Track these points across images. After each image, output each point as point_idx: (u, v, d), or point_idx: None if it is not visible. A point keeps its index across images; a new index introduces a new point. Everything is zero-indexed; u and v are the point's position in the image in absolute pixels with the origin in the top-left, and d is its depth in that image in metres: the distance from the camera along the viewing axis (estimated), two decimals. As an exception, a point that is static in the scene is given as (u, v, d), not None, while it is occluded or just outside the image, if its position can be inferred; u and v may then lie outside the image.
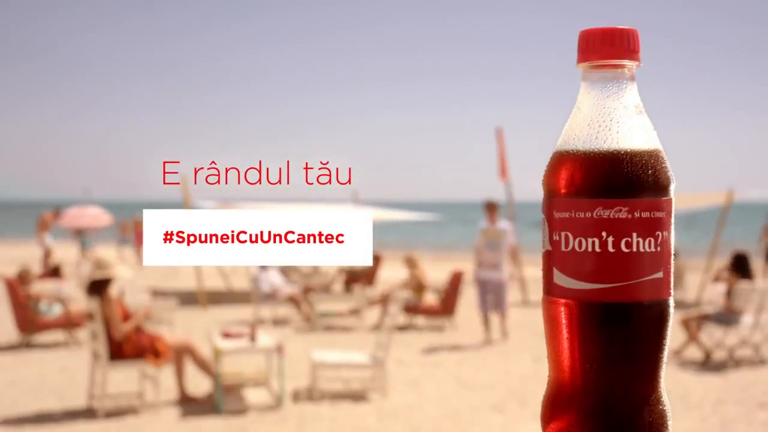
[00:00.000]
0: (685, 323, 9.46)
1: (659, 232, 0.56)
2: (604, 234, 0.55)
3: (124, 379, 7.38)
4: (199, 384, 7.50)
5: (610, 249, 0.55)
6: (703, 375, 8.62)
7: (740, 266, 9.79)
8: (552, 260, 0.58)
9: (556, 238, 0.57)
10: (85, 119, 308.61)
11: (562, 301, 0.57)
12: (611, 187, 0.55)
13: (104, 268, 6.96)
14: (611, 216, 0.55)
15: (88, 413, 6.84)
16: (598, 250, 0.55)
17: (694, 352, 9.53)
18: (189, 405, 7.06)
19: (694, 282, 14.89)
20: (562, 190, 0.57)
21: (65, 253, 25.06)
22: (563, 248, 0.57)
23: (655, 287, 0.56)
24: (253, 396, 7.26)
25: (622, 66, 0.58)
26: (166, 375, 7.47)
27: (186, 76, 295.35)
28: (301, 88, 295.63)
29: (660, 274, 0.56)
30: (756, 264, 13.19)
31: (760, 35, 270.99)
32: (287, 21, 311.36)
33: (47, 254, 21.19)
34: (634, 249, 0.55)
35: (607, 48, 0.58)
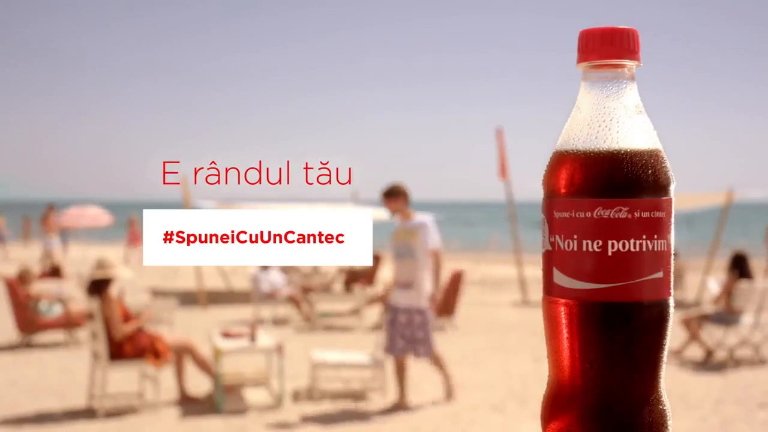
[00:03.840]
0: (686, 323, 9.46)
1: (659, 232, 0.56)
2: (604, 234, 0.55)
3: (124, 379, 7.38)
4: (199, 384, 7.50)
5: (610, 249, 0.55)
6: (703, 375, 8.62)
7: (740, 266, 9.79)
8: (552, 260, 0.58)
9: (556, 238, 0.57)
10: (85, 120, 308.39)
11: (562, 301, 0.57)
12: (611, 187, 0.55)
13: (105, 268, 6.97)
14: (611, 216, 0.55)
15: (88, 413, 6.84)
16: (598, 250, 0.55)
17: (694, 352, 9.53)
18: (189, 405, 7.06)
19: (694, 282, 14.90)
20: (562, 190, 0.57)
21: (65, 253, 25.09)
22: (563, 248, 0.57)
23: (655, 287, 0.56)
24: (253, 396, 7.27)
25: (622, 66, 0.58)
26: (166, 375, 7.47)
27: (186, 76, 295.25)
28: (301, 88, 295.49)
29: (660, 274, 0.56)
30: (760, 264, 13.20)
31: (760, 35, 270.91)
32: (287, 21, 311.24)
33: (48, 254, 21.21)
34: (634, 249, 0.55)
35: (607, 48, 0.58)
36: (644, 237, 0.55)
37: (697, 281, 14.29)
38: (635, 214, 0.55)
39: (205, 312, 13.24)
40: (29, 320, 9.82)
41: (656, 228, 0.56)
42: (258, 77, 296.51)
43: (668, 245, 0.57)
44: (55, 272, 15.61)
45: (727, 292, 9.58)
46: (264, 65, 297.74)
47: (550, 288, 0.58)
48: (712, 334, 9.30)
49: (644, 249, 0.55)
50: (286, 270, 14.39)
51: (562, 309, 0.57)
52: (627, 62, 0.58)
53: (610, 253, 0.55)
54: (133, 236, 24.55)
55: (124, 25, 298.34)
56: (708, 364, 9.15)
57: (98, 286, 6.86)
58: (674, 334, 9.96)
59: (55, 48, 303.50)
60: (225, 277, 16.11)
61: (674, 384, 7.89)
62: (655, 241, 0.56)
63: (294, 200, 17.56)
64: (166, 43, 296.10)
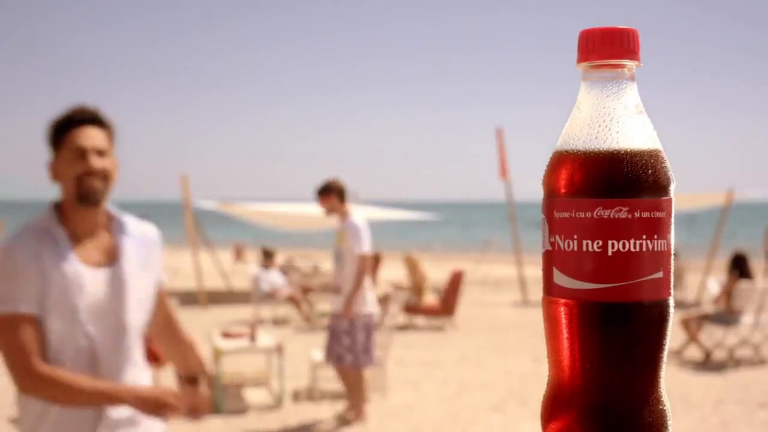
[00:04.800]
0: (685, 323, 9.46)
1: (659, 232, 0.56)
2: (604, 234, 0.55)
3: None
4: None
5: (610, 249, 0.55)
6: (703, 375, 8.63)
7: (740, 266, 9.80)
8: (552, 260, 0.58)
9: (556, 238, 0.57)
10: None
11: (562, 301, 0.57)
12: (611, 187, 0.55)
13: None
14: (611, 216, 0.55)
15: (88, 413, 6.84)
16: (598, 250, 0.55)
17: (694, 352, 9.54)
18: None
19: (694, 282, 14.90)
20: (562, 190, 0.57)
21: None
22: (563, 248, 0.57)
23: (655, 287, 0.56)
24: (253, 396, 7.27)
25: (622, 66, 0.58)
26: (166, 375, 7.48)
27: (185, 76, 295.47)
28: (301, 88, 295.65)
29: (660, 274, 0.56)
30: (759, 264, 13.19)
31: (761, 36, 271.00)
32: (287, 21, 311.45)
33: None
34: (634, 249, 0.55)
35: (607, 48, 0.58)
36: (644, 237, 0.55)
37: (697, 281, 14.30)
38: (635, 214, 0.55)
39: (205, 312, 13.24)
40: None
41: (656, 228, 0.56)
42: (258, 77, 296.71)
43: (668, 245, 0.57)
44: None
45: (727, 292, 9.58)
46: (264, 65, 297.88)
47: (550, 288, 0.58)
48: (712, 334, 9.31)
49: (644, 249, 0.55)
50: (286, 270, 14.38)
51: (562, 309, 0.57)
52: (627, 62, 0.58)
53: (610, 253, 0.55)
54: None
55: (124, 24, 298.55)
56: (708, 364, 9.16)
57: None
58: (674, 335, 9.97)
59: (56, 48, 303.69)
60: (225, 277, 16.10)
61: (674, 384, 7.90)
62: (655, 241, 0.56)
63: (293, 200, 17.58)
64: (166, 42, 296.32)
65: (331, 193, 6.26)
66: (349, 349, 6.31)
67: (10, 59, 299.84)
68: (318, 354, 7.54)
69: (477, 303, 14.50)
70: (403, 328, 11.39)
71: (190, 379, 2.58)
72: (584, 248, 0.55)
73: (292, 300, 12.34)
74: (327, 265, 17.44)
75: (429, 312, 11.68)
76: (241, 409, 6.85)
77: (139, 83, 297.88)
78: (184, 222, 14.51)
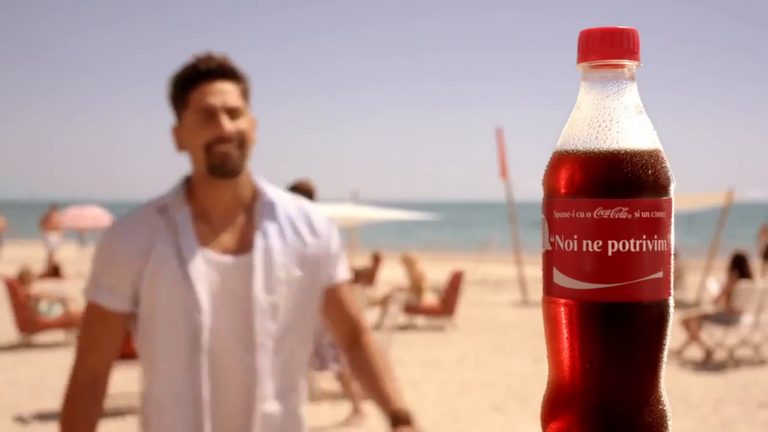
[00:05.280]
0: (686, 323, 9.47)
1: (659, 232, 0.56)
2: (604, 234, 0.55)
3: (124, 379, 7.39)
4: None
5: (610, 249, 0.55)
6: (703, 375, 8.64)
7: (740, 266, 9.80)
8: (552, 260, 0.58)
9: (556, 238, 0.58)
10: (87, 119, 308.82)
11: (562, 301, 0.57)
12: (611, 187, 0.55)
13: None
14: (611, 216, 0.55)
15: (88, 413, 6.85)
16: (598, 250, 0.55)
17: (694, 352, 9.55)
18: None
19: (694, 282, 14.91)
20: (562, 190, 0.57)
21: (67, 253, 25.10)
22: (563, 248, 0.57)
23: (655, 287, 0.56)
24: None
25: (622, 66, 0.58)
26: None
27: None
28: (301, 88, 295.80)
29: (660, 274, 0.56)
30: (755, 264, 13.20)
31: (760, 36, 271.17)
32: (287, 21, 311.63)
33: (49, 254, 21.21)
34: (634, 249, 0.55)
35: (607, 48, 0.58)
36: (644, 237, 0.55)
37: (697, 281, 14.30)
38: (635, 214, 0.55)
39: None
40: (29, 320, 9.84)
41: (656, 228, 0.56)
42: (258, 78, 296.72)
43: (668, 245, 0.57)
44: (55, 272, 15.61)
45: (728, 293, 9.59)
46: (264, 65, 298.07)
47: (549, 288, 0.58)
48: (712, 334, 9.31)
49: (644, 249, 0.55)
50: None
51: (562, 309, 0.57)
52: (627, 62, 0.58)
53: (610, 254, 0.55)
54: None
55: (125, 23, 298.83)
56: (708, 364, 9.17)
57: None
58: (674, 335, 9.97)
59: (56, 48, 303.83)
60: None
61: (675, 384, 7.91)
62: (655, 241, 0.56)
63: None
64: (167, 42, 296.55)
65: (298, 194, 6.18)
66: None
67: (13, 59, 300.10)
68: (318, 354, 7.54)
69: (477, 303, 14.50)
70: (403, 328, 11.39)
71: (401, 418, 1.88)
72: (584, 248, 0.55)
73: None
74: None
75: (429, 312, 11.68)
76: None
77: (139, 84, 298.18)
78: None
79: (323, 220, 2.07)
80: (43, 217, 22.69)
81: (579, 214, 0.56)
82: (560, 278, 0.57)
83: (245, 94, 1.95)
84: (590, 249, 0.55)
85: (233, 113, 1.88)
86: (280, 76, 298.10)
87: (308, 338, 2.03)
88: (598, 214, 0.55)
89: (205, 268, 1.87)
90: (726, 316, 9.37)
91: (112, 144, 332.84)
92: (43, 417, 6.75)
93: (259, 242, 1.90)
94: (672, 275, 0.58)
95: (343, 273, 2.05)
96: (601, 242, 0.55)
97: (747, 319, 9.38)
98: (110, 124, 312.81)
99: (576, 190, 0.56)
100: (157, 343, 1.88)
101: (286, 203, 2.02)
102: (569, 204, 0.56)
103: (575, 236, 0.56)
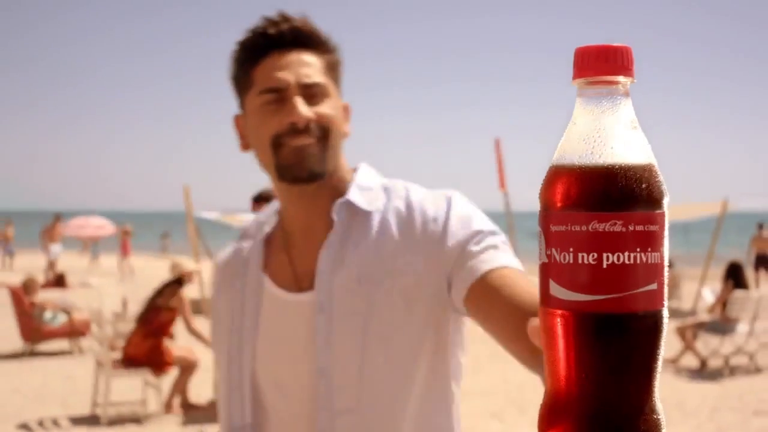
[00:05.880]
0: (681, 332, 9.52)
1: (653, 245, 0.57)
2: (599, 247, 0.56)
3: (127, 387, 7.45)
4: (201, 393, 7.57)
5: (605, 261, 0.56)
6: (699, 383, 8.68)
7: (735, 275, 9.85)
8: (548, 272, 0.59)
9: (552, 250, 0.59)
10: (84, 128, 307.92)
11: (559, 312, 0.58)
12: (606, 201, 0.56)
13: (179, 269, 7.27)
14: (606, 229, 0.56)
15: (91, 420, 6.92)
16: (593, 262, 0.56)
17: (690, 360, 9.60)
18: (191, 413, 7.13)
19: (689, 291, 14.95)
20: (558, 204, 0.58)
21: (70, 262, 25.08)
22: (559, 260, 0.58)
23: (649, 298, 0.57)
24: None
25: (617, 82, 0.60)
26: (168, 383, 7.55)
27: (186, 80, 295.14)
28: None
29: (654, 286, 0.57)
30: (749, 274, 13.24)
31: (758, 46, 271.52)
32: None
33: (52, 264, 21.25)
34: (629, 261, 0.56)
35: (602, 65, 0.59)
36: (638, 250, 0.56)
37: (693, 290, 14.35)
38: (629, 227, 0.56)
39: (209, 321, 13.29)
40: (34, 329, 9.89)
41: (650, 241, 0.57)
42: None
43: (662, 258, 0.58)
44: (59, 281, 15.62)
45: (722, 301, 9.64)
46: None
47: (546, 299, 0.59)
48: (707, 342, 9.36)
49: (638, 261, 0.56)
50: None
51: (559, 320, 0.58)
52: (621, 79, 0.60)
53: (605, 266, 0.56)
54: (124, 247, 24.46)
55: (122, 30, 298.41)
56: (704, 372, 9.22)
57: (174, 284, 7.07)
58: (670, 343, 10.03)
59: (50, 56, 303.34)
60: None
61: (670, 392, 7.96)
62: (649, 254, 0.57)
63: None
64: (164, 49, 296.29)
65: (260, 202, 6.02)
66: None
67: (7, 68, 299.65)
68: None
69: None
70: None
71: None
72: (579, 260, 0.57)
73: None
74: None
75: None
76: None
77: (138, 90, 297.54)
78: (186, 232, 14.55)
79: (441, 204, 1.38)
80: (46, 227, 22.72)
81: (575, 227, 0.57)
82: (556, 290, 0.58)
83: (332, 68, 1.43)
84: (585, 261, 0.56)
85: (313, 94, 1.37)
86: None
87: (434, 387, 1.40)
88: (593, 227, 0.56)
89: (267, 306, 1.43)
90: (721, 324, 9.41)
91: (101, 154, 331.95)
92: (47, 424, 6.81)
93: (321, 271, 1.37)
94: (666, 286, 0.59)
95: (495, 259, 1.27)
96: (596, 255, 0.56)
97: (742, 327, 9.43)
98: (98, 135, 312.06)
99: (572, 204, 0.57)
100: (221, 390, 1.50)
101: (383, 203, 1.41)
102: (565, 217, 0.57)
103: (571, 249, 0.57)
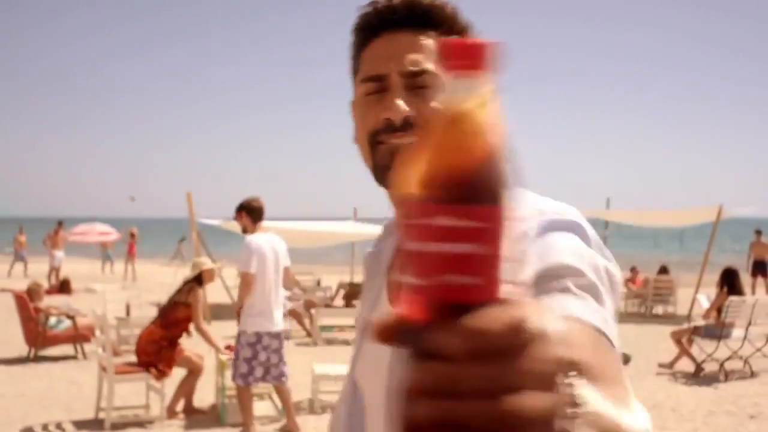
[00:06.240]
0: (677, 337, 9.60)
1: (488, 240, 0.56)
2: (435, 237, 0.56)
3: (131, 392, 7.56)
4: (203, 397, 7.66)
5: (444, 251, 0.55)
6: (694, 387, 8.73)
7: (730, 281, 9.94)
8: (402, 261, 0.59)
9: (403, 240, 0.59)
10: (79, 135, 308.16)
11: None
12: (452, 195, 0.55)
13: (199, 267, 7.38)
14: (446, 224, 0.55)
15: (95, 424, 6.99)
16: (427, 251, 0.56)
17: (685, 365, 9.67)
18: (193, 417, 7.21)
19: (684, 297, 15.03)
20: (410, 196, 0.57)
21: (75, 268, 25.19)
22: (408, 249, 0.57)
23: (471, 291, 0.55)
24: (256, 408, 7.40)
25: (478, 77, 0.57)
26: (171, 388, 7.65)
27: (186, 84, 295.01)
28: (301, 92, 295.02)
29: (480, 280, 0.56)
30: (746, 280, 13.33)
31: (750, 58, 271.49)
32: (287, 23, 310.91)
33: (55, 270, 21.40)
34: (459, 252, 0.55)
35: (463, 60, 0.57)
36: (474, 243, 0.55)
37: (688, 296, 14.43)
38: (467, 221, 0.55)
39: (210, 326, 13.40)
40: (38, 334, 10.00)
41: (486, 235, 0.55)
42: (257, 81, 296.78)
43: (497, 252, 0.56)
44: (63, 287, 15.77)
45: (717, 307, 9.73)
46: (262, 70, 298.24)
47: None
48: (703, 347, 9.45)
49: (471, 252, 0.55)
50: (288, 286, 14.53)
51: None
52: (483, 74, 0.57)
53: (435, 255, 0.55)
54: (130, 249, 24.60)
55: (121, 31, 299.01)
56: (699, 376, 9.29)
57: (192, 282, 7.19)
58: (666, 348, 10.12)
59: (46, 58, 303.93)
60: (229, 291, 16.29)
61: (666, 396, 8.02)
62: (483, 247, 0.55)
63: (299, 218, 17.77)
64: (162, 51, 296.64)
65: (241, 212, 6.32)
66: (233, 364, 6.48)
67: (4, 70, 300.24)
68: (319, 367, 7.71)
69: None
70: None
71: None
72: (420, 250, 0.56)
73: (293, 314, 12.52)
74: (328, 280, 17.60)
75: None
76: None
77: (140, 95, 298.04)
78: (189, 238, 14.67)
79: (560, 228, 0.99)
80: (49, 234, 22.88)
81: (417, 220, 0.56)
82: (406, 277, 0.58)
83: None
84: (424, 251, 0.56)
85: (420, 84, 1.14)
86: (278, 81, 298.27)
87: None
88: (436, 221, 0.55)
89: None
90: (716, 329, 9.49)
91: (83, 162, 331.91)
92: (51, 429, 6.90)
93: None
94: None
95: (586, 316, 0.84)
96: (432, 245, 0.56)
97: (737, 332, 9.52)
98: (80, 143, 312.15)
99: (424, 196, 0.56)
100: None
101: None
102: (413, 207, 0.57)
103: (414, 240, 0.57)
